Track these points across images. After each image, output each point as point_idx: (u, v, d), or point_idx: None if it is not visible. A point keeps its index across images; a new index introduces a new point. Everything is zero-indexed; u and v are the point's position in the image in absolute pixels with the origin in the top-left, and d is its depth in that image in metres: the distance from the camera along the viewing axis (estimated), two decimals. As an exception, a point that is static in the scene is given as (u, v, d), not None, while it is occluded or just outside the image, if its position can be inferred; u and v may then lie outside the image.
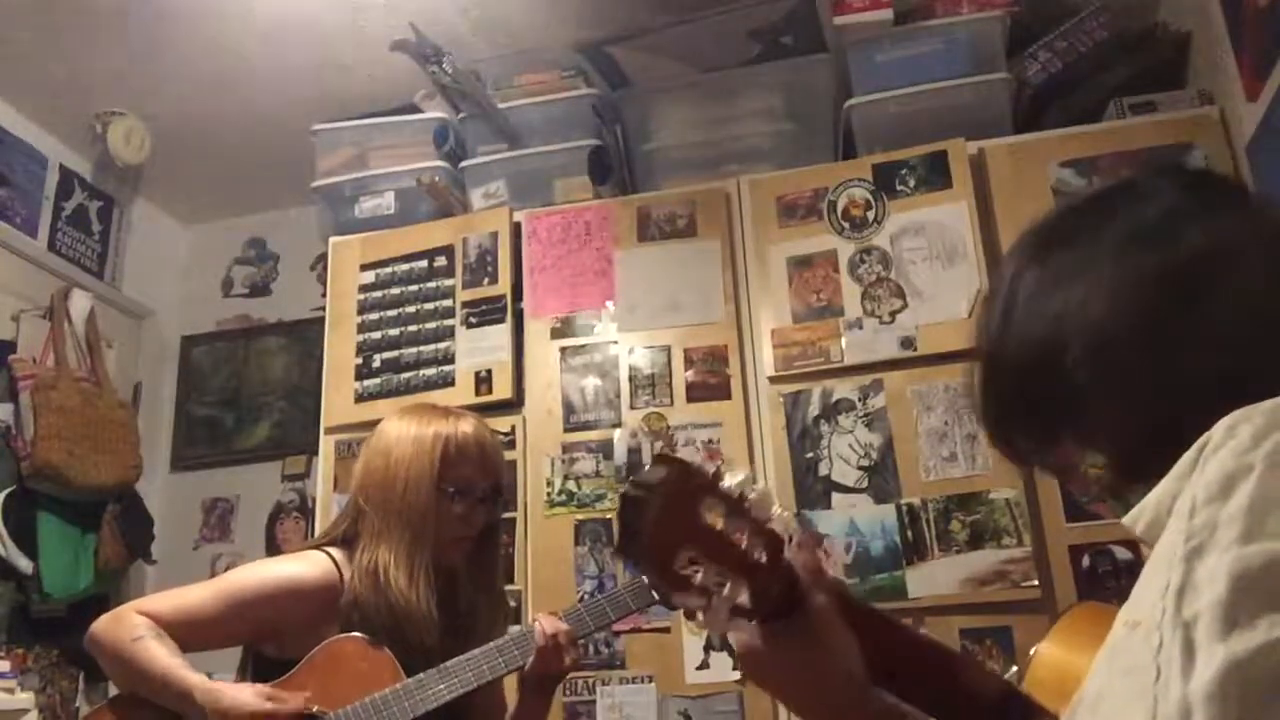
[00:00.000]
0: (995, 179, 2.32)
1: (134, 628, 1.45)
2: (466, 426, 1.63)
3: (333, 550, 1.59)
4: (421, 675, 1.47)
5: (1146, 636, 0.54)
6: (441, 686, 1.46)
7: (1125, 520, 0.66)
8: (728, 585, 0.71)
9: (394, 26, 2.54)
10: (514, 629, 1.66)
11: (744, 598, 0.72)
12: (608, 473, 2.30)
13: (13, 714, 2.53)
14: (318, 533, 1.95)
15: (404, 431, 1.61)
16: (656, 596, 1.55)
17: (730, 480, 0.73)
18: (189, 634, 1.48)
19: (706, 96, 2.63)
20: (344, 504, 1.71)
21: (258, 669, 1.54)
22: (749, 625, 0.74)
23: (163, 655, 1.43)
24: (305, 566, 1.56)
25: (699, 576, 0.70)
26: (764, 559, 0.72)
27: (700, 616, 0.72)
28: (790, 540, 0.74)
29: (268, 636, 1.54)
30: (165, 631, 1.46)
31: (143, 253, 3.40)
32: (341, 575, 1.56)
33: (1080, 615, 0.97)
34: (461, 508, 1.58)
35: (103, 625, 1.49)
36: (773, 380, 2.29)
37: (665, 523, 0.69)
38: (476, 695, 1.52)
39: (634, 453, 2.29)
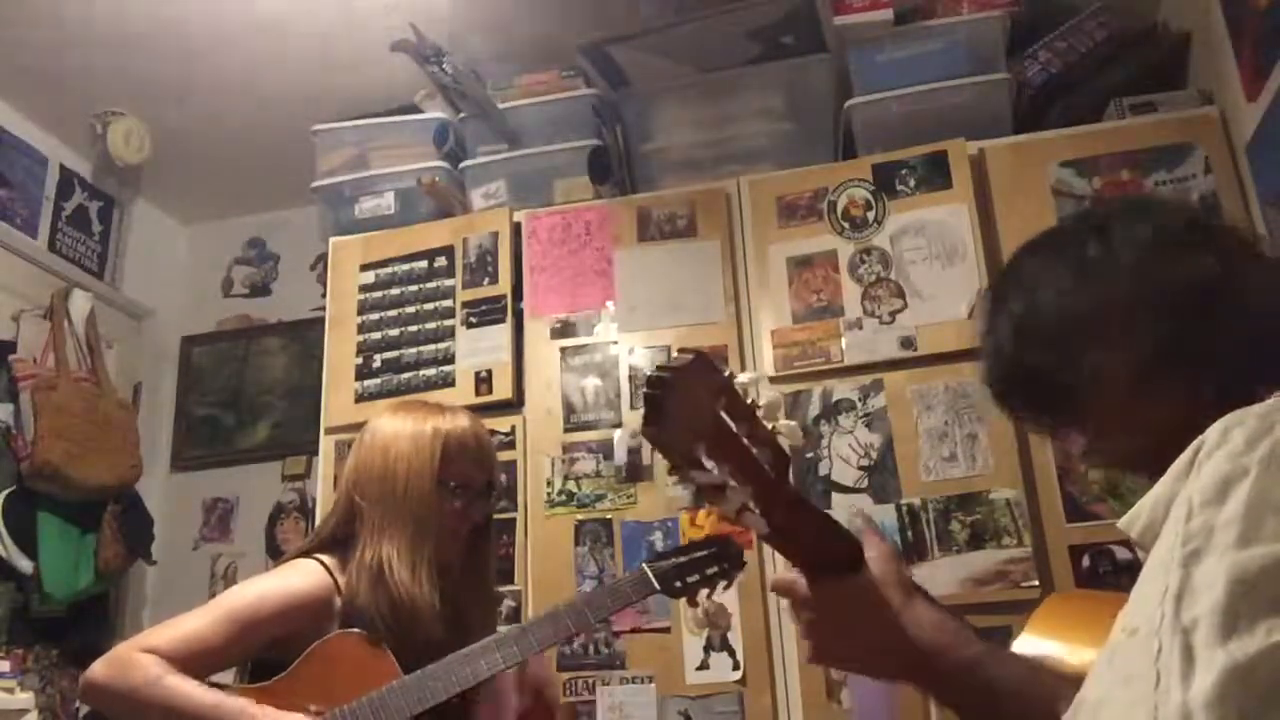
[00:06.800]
0: (995, 179, 2.31)
1: (148, 669, 1.40)
2: (463, 421, 1.64)
3: (323, 556, 1.59)
4: (418, 672, 1.46)
5: (1145, 642, 0.54)
6: (439, 684, 1.45)
7: (1121, 524, 0.66)
8: (738, 486, 0.75)
9: (394, 26, 2.54)
10: (510, 629, 1.65)
11: (751, 502, 0.76)
12: (608, 473, 2.30)
13: (13, 714, 2.53)
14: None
15: (400, 428, 1.62)
16: (658, 587, 1.54)
17: (744, 378, 0.75)
18: (196, 664, 1.44)
19: (706, 96, 2.62)
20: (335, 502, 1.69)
21: (255, 671, 1.53)
22: (758, 520, 0.78)
23: (197, 691, 1.40)
24: (300, 578, 1.55)
25: (715, 472, 0.74)
26: (771, 472, 0.75)
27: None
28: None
29: (269, 650, 1.53)
30: (175, 665, 1.42)
31: (143, 253, 3.40)
32: (335, 580, 1.55)
33: (1050, 606, 0.98)
34: (460, 503, 1.60)
35: (107, 672, 1.42)
36: (773, 380, 2.28)
37: (688, 406, 0.72)
38: (477, 692, 1.52)
39: (634, 453, 2.28)
